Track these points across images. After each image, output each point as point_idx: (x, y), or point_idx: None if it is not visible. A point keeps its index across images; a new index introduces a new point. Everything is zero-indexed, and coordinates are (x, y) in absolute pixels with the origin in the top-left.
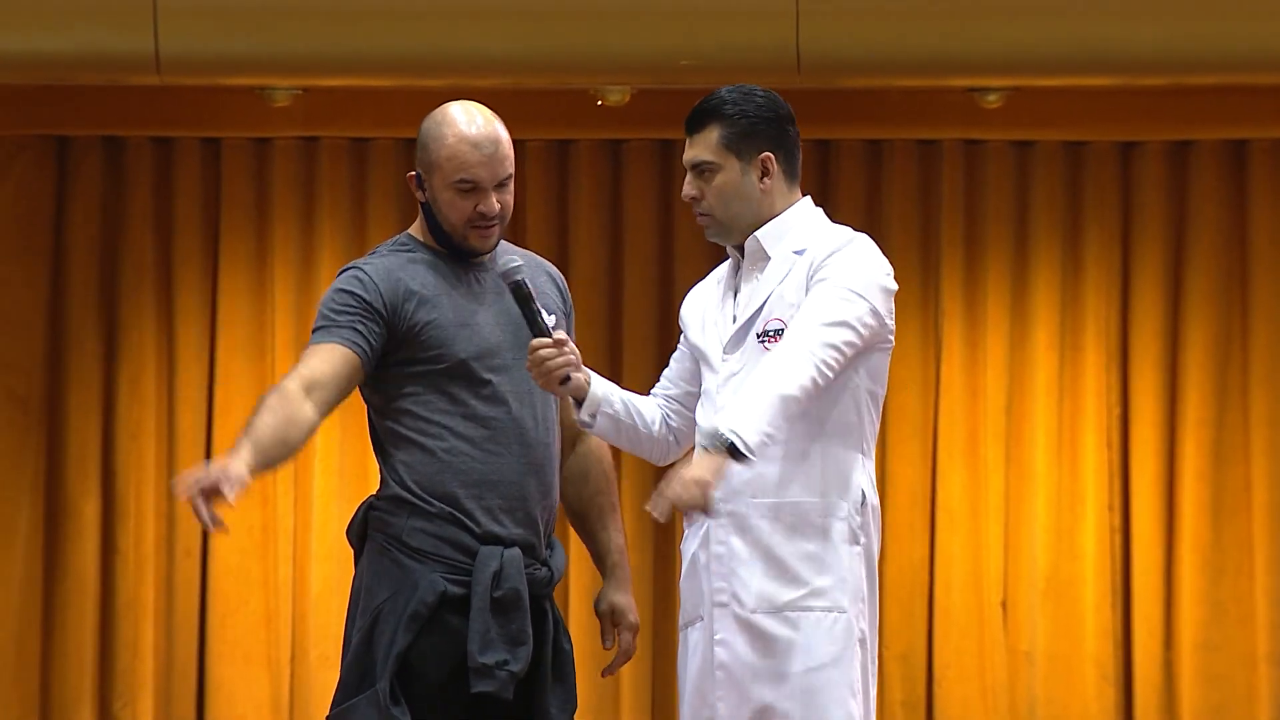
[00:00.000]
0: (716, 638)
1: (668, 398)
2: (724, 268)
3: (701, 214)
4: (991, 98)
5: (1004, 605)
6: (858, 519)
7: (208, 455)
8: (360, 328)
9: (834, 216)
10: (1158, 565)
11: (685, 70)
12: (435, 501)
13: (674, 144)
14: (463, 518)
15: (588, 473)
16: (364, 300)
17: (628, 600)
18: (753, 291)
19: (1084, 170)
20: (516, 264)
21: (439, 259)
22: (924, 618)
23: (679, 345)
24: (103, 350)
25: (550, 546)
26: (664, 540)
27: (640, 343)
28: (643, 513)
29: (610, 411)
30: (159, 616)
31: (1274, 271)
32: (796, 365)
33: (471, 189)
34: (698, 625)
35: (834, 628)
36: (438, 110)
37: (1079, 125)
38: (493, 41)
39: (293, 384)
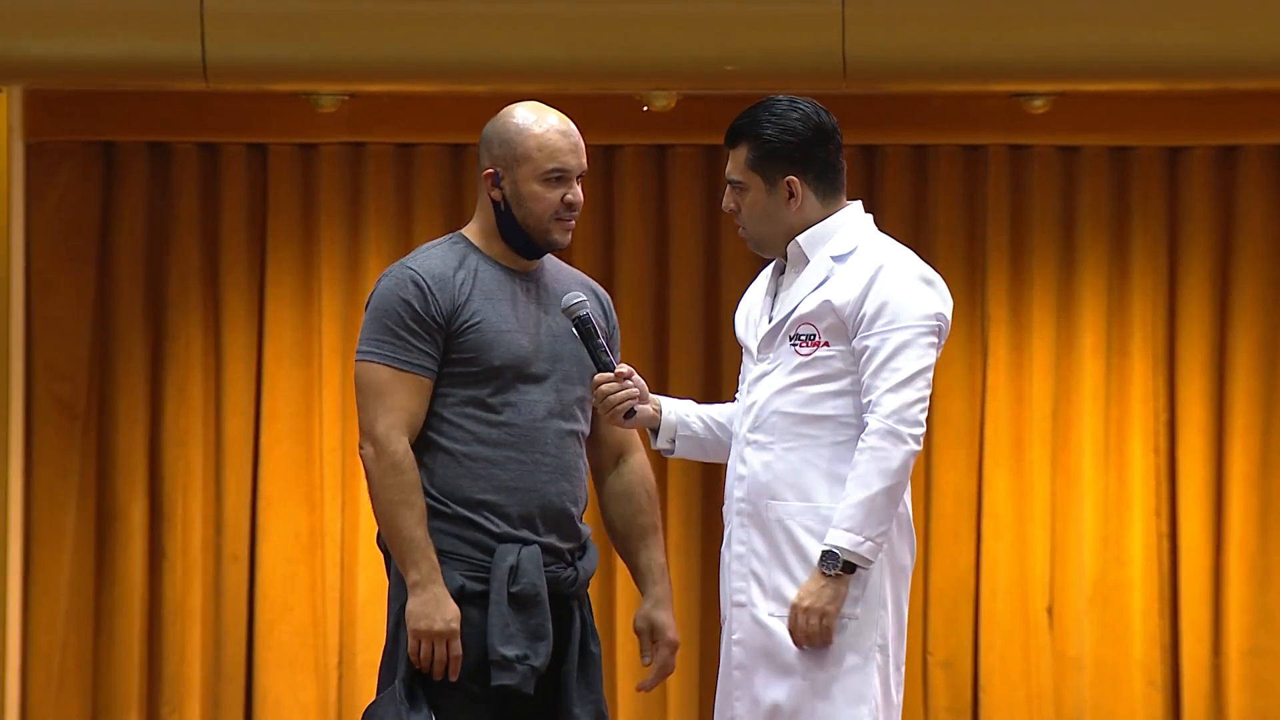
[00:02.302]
0: (734, 637)
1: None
2: (771, 267)
3: (740, 227)
4: (1037, 103)
5: (1050, 611)
6: None
7: (255, 461)
8: (430, 350)
9: (879, 221)
10: (1205, 571)
11: (731, 76)
12: (454, 505)
13: (719, 150)
14: (482, 520)
15: (631, 493)
16: (429, 316)
17: (668, 618)
18: (789, 294)
19: (1130, 175)
20: (580, 299)
21: (490, 264)
22: (970, 624)
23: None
24: (150, 356)
25: (581, 550)
26: (709, 549)
27: (686, 349)
28: (688, 520)
29: (689, 434)
30: (206, 622)
31: None
32: (888, 451)
33: (561, 178)
34: (724, 624)
35: (844, 633)
36: (505, 111)
37: (1125, 130)
38: (538, 47)
39: (400, 445)
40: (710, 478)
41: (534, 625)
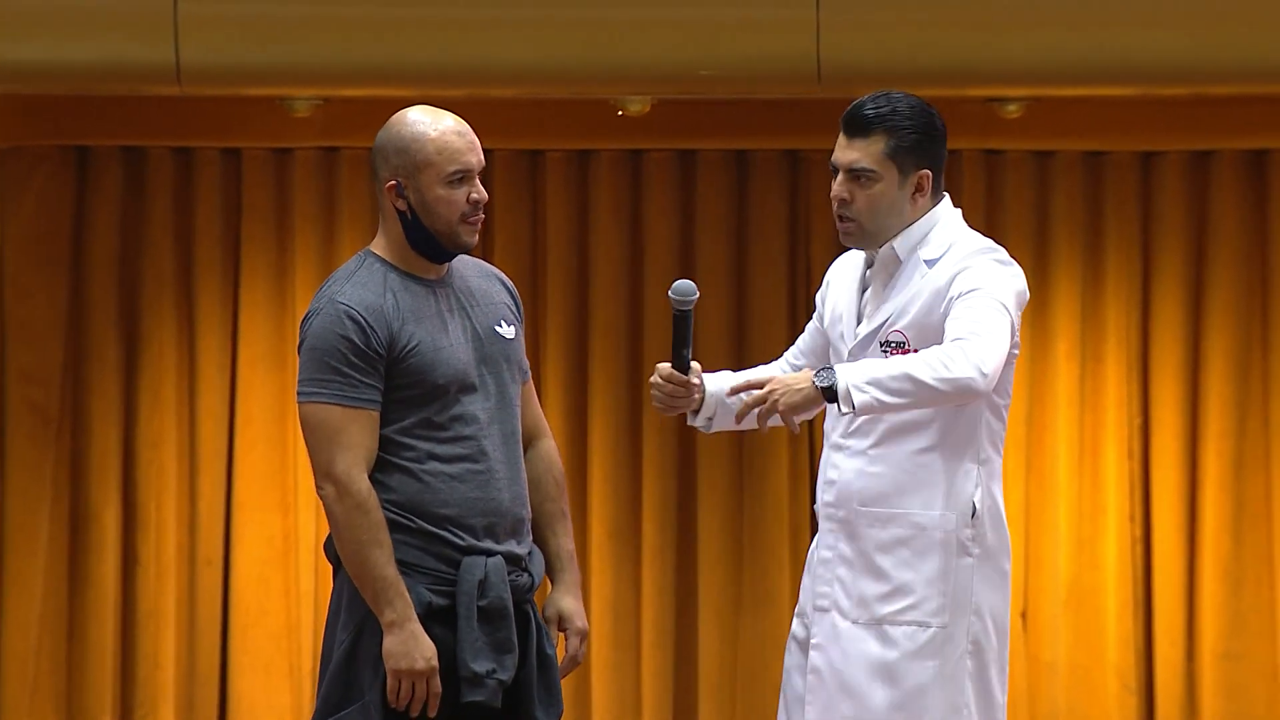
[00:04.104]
0: (814, 641)
1: (795, 369)
2: (861, 258)
3: (847, 218)
4: (1011, 108)
5: (1024, 616)
6: (968, 531)
7: (229, 465)
8: (375, 382)
9: None
10: (1179, 575)
11: (706, 80)
12: (418, 520)
13: (695, 154)
14: (446, 534)
15: (539, 479)
16: (370, 349)
17: (576, 605)
18: (882, 298)
19: (1104, 180)
20: (694, 296)
21: (406, 279)
22: None
23: (813, 319)
24: (123, 361)
25: (530, 553)
26: (683, 550)
27: (660, 352)
28: (663, 525)
29: (726, 411)
30: (180, 626)
31: None
32: (959, 363)
33: (464, 178)
34: (803, 621)
35: (931, 643)
36: (395, 119)
37: (1099, 135)
38: (513, 52)
39: (363, 484)
40: (688, 478)
41: (501, 638)
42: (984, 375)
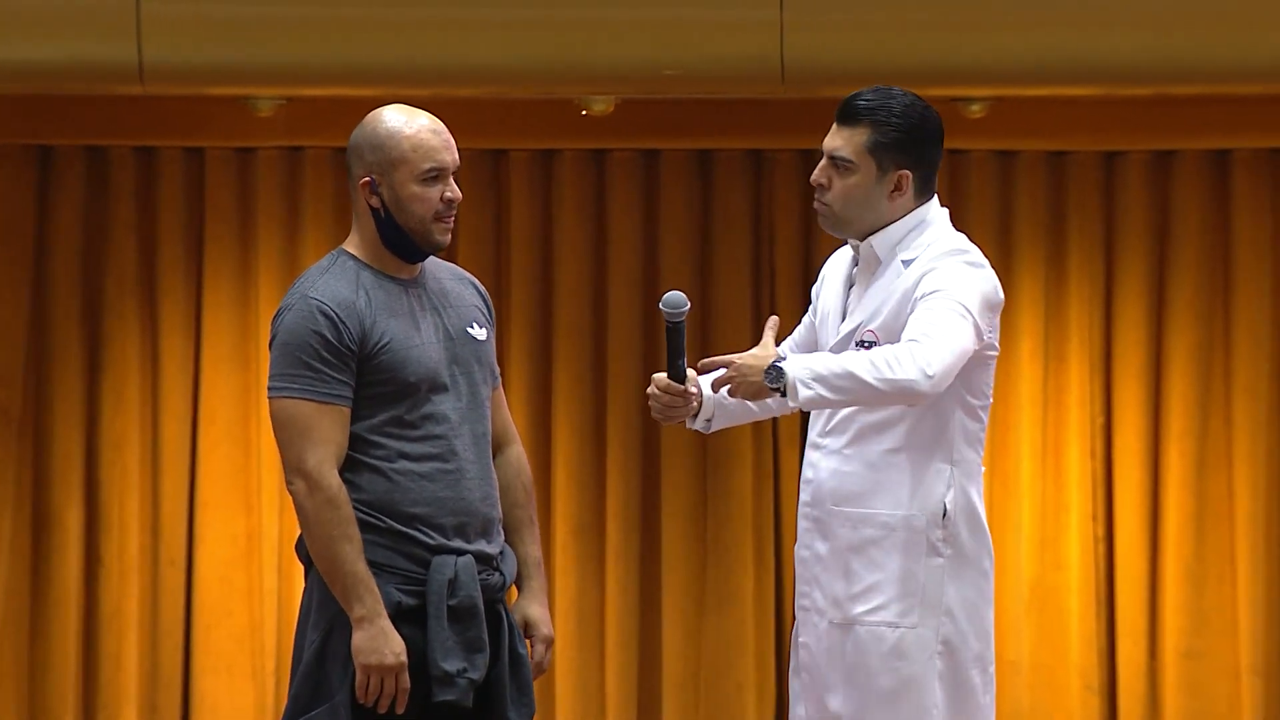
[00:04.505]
0: (800, 640)
1: None
2: (851, 254)
3: (821, 202)
4: (974, 108)
5: None
6: (938, 531)
7: (192, 466)
8: (347, 379)
9: (818, 227)
10: (1141, 575)
11: (669, 80)
12: (388, 519)
13: (659, 154)
14: (416, 534)
15: (508, 485)
16: (342, 345)
17: (543, 613)
18: (863, 298)
19: (1066, 180)
20: (686, 307)
21: (379, 277)
22: None
23: (808, 313)
24: (86, 361)
25: (501, 552)
26: (646, 552)
27: (624, 352)
28: (626, 525)
29: (724, 411)
30: (143, 627)
31: (1256, 280)
32: (905, 366)
33: (438, 176)
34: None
35: (898, 644)
36: (370, 117)
37: (1062, 135)
38: (477, 51)
39: (333, 480)
40: (652, 478)
41: (471, 637)
42: (929, 378)
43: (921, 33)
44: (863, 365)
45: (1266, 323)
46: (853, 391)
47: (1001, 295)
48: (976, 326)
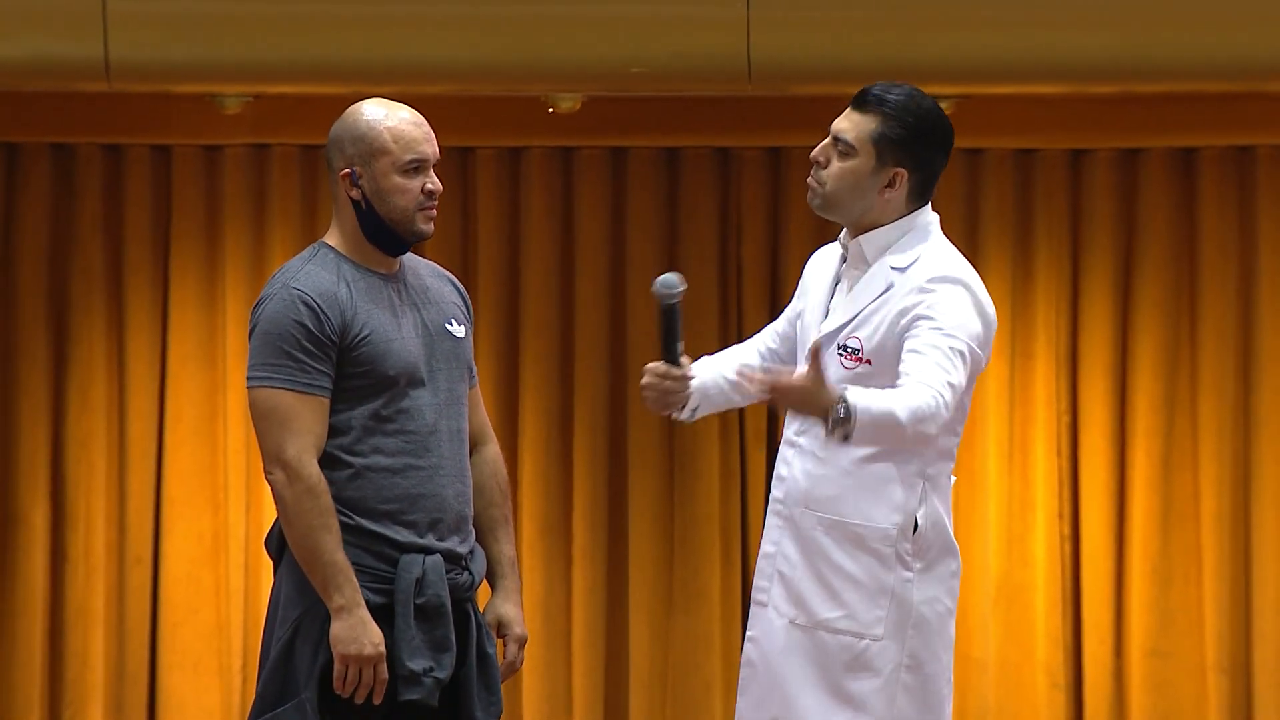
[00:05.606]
0: (750, 634)
1: (770, 350)
2: (838, 253)
3: (815, 179)
4: (941, 105)
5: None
6: (907, 545)
7: (158, 463)
8: (327, 369)
9: (795, 224)
10: (1107, 573)
11: (636, 78)
12: (356, 516)
13: (626, 151)
14: (385, 531)
15: (484, 485)
16: (323, 336)
17: (516, 613)
18: (846, 301)
19: (1033, 178)
20: (681, 289)
21: (360, 270)
22: None
23: (788, 308)
24: (52, 358)
25: (471, 551)
26: (614, 551)
27: (592, 350)
28: (593, 525)
29: (708, 401)
30: (109, 625)
31: (1223, 279)
32: (932, 404)
33: (419, 167)
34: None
35: (864, 655)
36: (351, 110)
37: (1028, 133)
38: (444, 48)
39: (313, 469)
40: (619, 476)
41: (438, 636)
42: (938, 430)
43: (888, 31)
44: (899, 404)
45: (1232, 321)
46: (889, 428)
47: (995, 323)
48: (973, 365)
